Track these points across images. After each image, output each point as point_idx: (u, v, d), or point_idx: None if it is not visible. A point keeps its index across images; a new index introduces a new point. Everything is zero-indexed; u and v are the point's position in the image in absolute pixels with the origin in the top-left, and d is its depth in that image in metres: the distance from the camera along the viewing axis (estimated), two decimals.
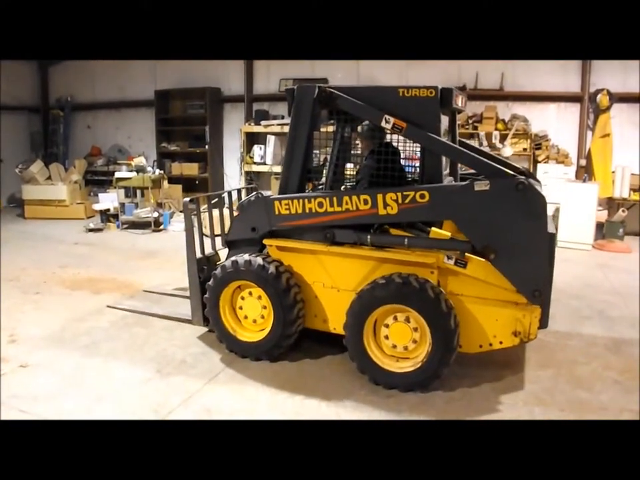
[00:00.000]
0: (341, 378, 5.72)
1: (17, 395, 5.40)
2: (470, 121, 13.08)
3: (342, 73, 13.84)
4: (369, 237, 5.55)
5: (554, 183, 12.07)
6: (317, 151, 6.18)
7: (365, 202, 5.39)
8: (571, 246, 11.27)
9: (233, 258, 6.01)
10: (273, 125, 13.73)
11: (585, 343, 6.67)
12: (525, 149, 12.72)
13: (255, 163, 14.02)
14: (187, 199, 6.38)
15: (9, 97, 16.98)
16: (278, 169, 13.53)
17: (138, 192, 13.96)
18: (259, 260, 5.82)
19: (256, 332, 6.10)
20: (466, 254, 5.24)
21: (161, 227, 13.26)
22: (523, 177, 4.99)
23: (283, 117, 14.07)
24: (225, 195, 7.30)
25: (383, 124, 5.34)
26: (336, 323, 5.85)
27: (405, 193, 5.24)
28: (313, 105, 5.67)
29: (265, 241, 6.09)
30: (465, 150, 5.52)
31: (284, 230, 5.97)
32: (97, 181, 16.75)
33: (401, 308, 5.28)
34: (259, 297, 5.97)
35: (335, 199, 5.52)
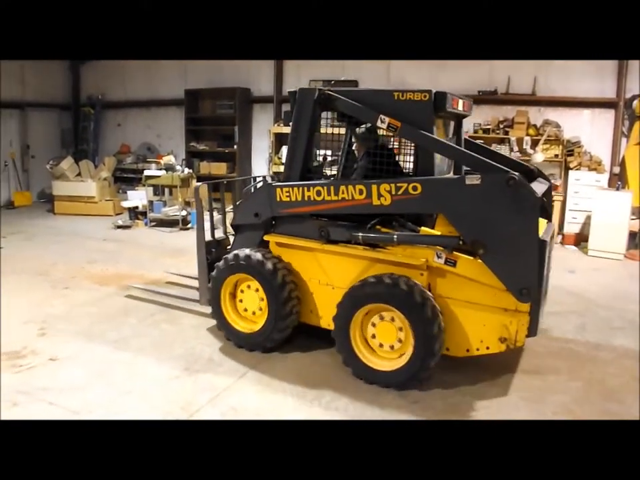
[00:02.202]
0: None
1: (46, 388, 5.48)
2: (501, 126, 12.95)
3: (372, 75, 13.78)
4: (360, 234, 5.70)
5: (586, 190, 11.95)
6: (318, 150, 6.57)
7: (360, 192, 5.55)
8: (603, 255, 11.14)
9: (235, 251, 6.31)
10: None
11: (616, 354, 6.56)
12: (556, 155, 12.53)
13: (283, 164, 13.96)
14: (198, 184, 6.68)
15: (41, 94, 17.17)
16: None
17: (166, 190, 14.01)
18: (259, 255, 6.12)
19: (252, 323, 6.37)
20: (455, 253, 5.34)
21: (189, 225, 13.26)
22: (515, 173, 4.95)
23: None
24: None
25: (379, 124, 5.60)
26: (329, 319, 5.98)
27: (398, 184, 5.37)
28: (313, 106, 5.99)
29: (266, 237, 6.40)
30: (457, 147, 5.71)
31: (285, 221, 6.29)
32: (126, 178, 16.82)
33: (387, 308, 5.46)
34: (257, 290, 6.24)
35: (332, 188, 5.71)
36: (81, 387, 5.50)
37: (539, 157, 12.14)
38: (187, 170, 14.19)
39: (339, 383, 5.64)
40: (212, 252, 6.90)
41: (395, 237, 5.54)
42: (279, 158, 14.05)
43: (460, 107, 5.98)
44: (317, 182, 5.94)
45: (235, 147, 15.13)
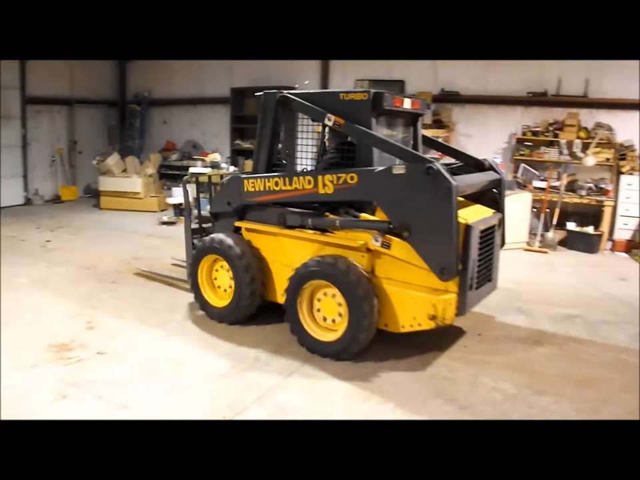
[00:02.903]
0: (416, 385, 5.62)
1: (95, 381, 5.51)
2: (550, 129, 12.71)
3: (419, 75, 13.65)
4: (310, 219, 6.38)
5: (638, 196, 11.68)
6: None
7: (309, 182, 6.24)
8: None
9: (212, 235, 7.13)
10: None
11: None
12: (608, 159, 12.20)
13: None
14: (186, 176, 7.38)
15: (89, 91, 17.38)
16: None
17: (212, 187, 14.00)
18: (229, 240, 6.87)
19: (224, 300, 7.05)
20: (389, 236, 5.89)
21: None
22: (434, 163, 5.48)
23: None
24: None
25: (326, 121, 6.23)
26: None
27: (338, 175, 6.02)
28: (275, 107, 6.71)
29: (237, 223, 7.15)
30: (388, 140, 6.15)
31: (252, 209, 7.02)
32: (171, 175, 16.87)
33: (328, 285, 6.06)
34: (228, 270, 6.94)
35: (287, 179, 6.44)
36: (129, 381, 5.52)
37: (589, 160, 11.88)
38: (232, 167, 14.21)
39: (389, 385, 5.57)
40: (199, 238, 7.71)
41: (337, 222, 6.17)
42: None
43: (407, 106, 6.51)
44: (275, 174, 6.64)
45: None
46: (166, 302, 7.70)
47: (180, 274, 8.59)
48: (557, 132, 12.62)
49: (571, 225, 11.99)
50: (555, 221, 11.75)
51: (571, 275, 9.79)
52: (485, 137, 13.18)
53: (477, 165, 6.92)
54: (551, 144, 12.69)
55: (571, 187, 12.21)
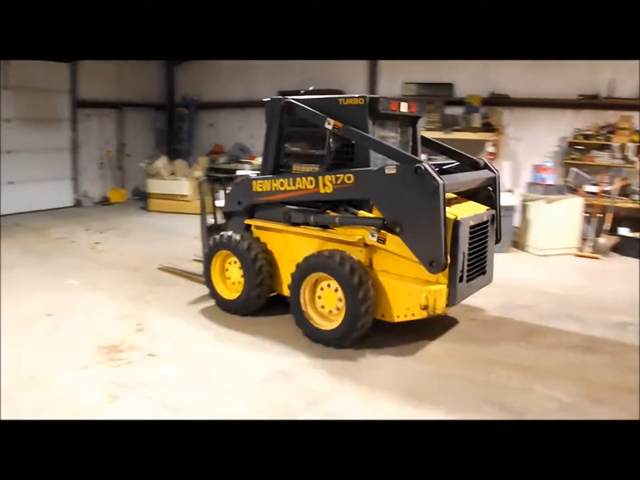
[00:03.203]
0: (469, 391, 5.52)
1: (145, 383, 5.53)
2: (602, 132, 12.45)
3: (468, 77, 13.49)
4: (312, 217, 6.82)
5: None
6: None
7: (311, 182, 6.70)
8: None
9: (223, 232, 7.51)
10: None
11: None
12: None
13: None
14: (204, 178, 7.82)
15: (137, 94, 17.60)
16: None
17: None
18: (237, 236, 7.26)
19: (235, 293, 7.40)
20: (383, 232, 6.31)
21: None
22: (422, 163, 5.92)
23: None
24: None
25: (326, 125, 6.61)
26: None
27: (337, 175, 6.48)
28: (280, 112, 7.14)
29: (247, 221, 7.52)
30: (384, 142, 6.58)
31: (261, 208, 7.41)
32: (219, 178, 16.91)
33: (327, 277, 6.45)
34: (240, 266, 7.30)
35: (291, 179, 6.89)
36: (180, 383, 5.54)
37: None
38: None
39: (437, 394, 5.48)
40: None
41: (337, 219, 6.64)
42: None
43: (403, 109, 6.82)
44: (281, 175, 7.09)
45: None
46: (214, 304, 7.66)
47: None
48: (609, 135, 12.33)
49: (624, 231, 11.70)
50: (607, 227, 11.49)
51: (623, 282, 9.54)
52: (535, 140, 12.96)
53: (472, 164, 7.35)
54: (602, 147, 12.40)
55: (624, 192, 11.92)
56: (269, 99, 7.32)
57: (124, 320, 7.11)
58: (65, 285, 8.52)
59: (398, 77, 14.42)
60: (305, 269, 6.62)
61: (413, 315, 6.25)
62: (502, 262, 10.11)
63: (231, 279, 7.51)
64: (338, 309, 6.45)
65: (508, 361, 6.21)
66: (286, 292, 7.06)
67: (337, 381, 5.65)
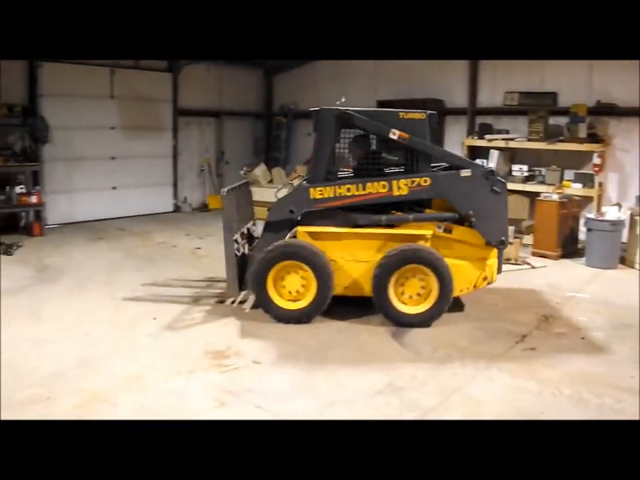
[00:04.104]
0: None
1: (252, 390, 5.55)
2: None
3: (572, 85, 13.08)
4: (383, 217, 7.44)
5: None
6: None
7: (384, 186, 7.33)
8: None
9: (283, 242, 7.45)
10: (497, 139, 13.27)
11: None
12: None
13: None
14: (225, 189, 7.71)
15: (236, 103, 17.86)
16: None
17: None
18: (307, 245, 7.36)
19: (293, 302, 7.43)
20: (448, 224, 7.48)
21: None
22: (489, 168, 7.65)
23: (507, 132, 13.58)
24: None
25: (391, 136, 7.30)
26: (354, 288, 7.56)
27: (413, 179, 7.34)
28: (335, 123, 7.46)
29: (300, 229, 7.55)
30: (446, 150, 8.44)
31: (314, 215, 7.60)
32: None
33: (421, 268, 7.18)
34: (301, 274, 7.39)
35: (360, 184, 7.35)
36: (286, 393, 5.52)
37: None
38: None
39: None
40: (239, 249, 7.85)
41: (411, 216, 7.50)
42: None
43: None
44: (347, 180, 7.54)
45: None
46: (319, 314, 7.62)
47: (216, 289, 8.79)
48: None
49: None
50: None
51: None
52: None
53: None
54: None
55: None
56: (318, 109, 7.56)
57: (228, 325, 7.17)
58: (168, 290, 8.65)
59: (499, 86, 14.13)
60: (394, 263, 7.16)
61: (475, 287, 7.65)
62: (608, 279, 9.81)
63: (287, 287, 7.44)
64: (419, 294, 7.33)
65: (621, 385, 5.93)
66: (341, 292, 7.51)
67: (443, 396, 5.53)
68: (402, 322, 7.24)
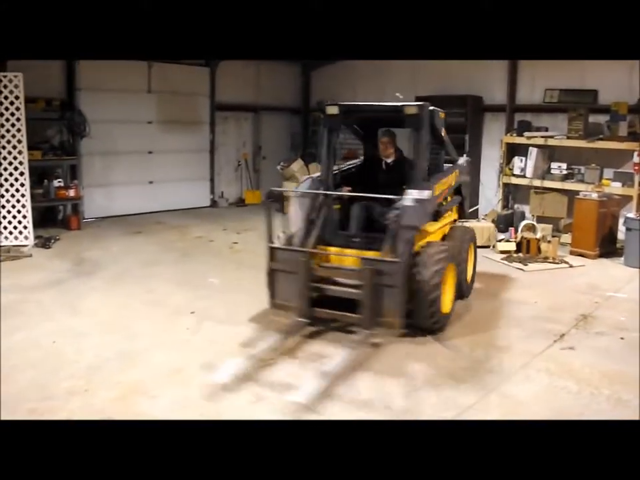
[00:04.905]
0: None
1: (289, 385, 5.49)
2: None
3: (614, 83, 12.86)
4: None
5: None
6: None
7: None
8: None
9: (445, 245, 7.34)
10: (537, 136, 13.13)
11: None
12: None
13: (513, 175, 13.48)
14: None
15: (273, 98, 17.88)
16: (538, 182, 12.97)
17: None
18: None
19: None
20: None
21: None
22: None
23: (546, 129, 13.43)
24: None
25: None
26: None
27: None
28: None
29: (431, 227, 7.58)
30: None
31: None
32: None
33: None
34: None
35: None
36: (322, 389, 5.40)
37: None
38: None
39: None
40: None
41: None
42: (510, 169, 13.59)
43: None
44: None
45: (465, 155, 14.75)
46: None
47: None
48: None
49: None
50: None
51: None
52: None
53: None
54: None
55: None
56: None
57: (266, 320, 7.15)
58: (206, 283, 8.71)
59: (538, 83, 13.98)
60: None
61: None
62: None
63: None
64: None
65: None
66: None
67: (481, 395, 5.50)
68: None
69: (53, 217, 13.12)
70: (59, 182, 12.64)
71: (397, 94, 13.46)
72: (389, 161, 7.92)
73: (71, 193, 12.72)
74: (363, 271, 6.32)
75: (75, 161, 13.12)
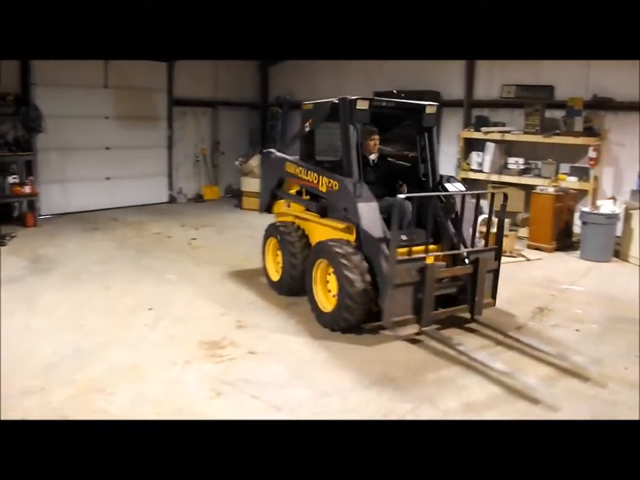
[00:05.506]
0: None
1: (248, 380, 5.55)
2: None
3: (569, 79, 13.04)
4: None
5: None
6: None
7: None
8: None
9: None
10: (494, 132, 13.24)
11: None
12: None
13: (471, 170, 13.59)
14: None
15: (231, 93, 17.79)
16: (495, 177, 13.09)
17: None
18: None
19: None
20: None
21: None
22: None
23: (504, 125, 13.55)
24: None
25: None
26: None
27: None
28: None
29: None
30: None
31: None
32: None
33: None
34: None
35: None
36: (281, 383, 5.52)
37: None
38: None
39: None
40: None
41: None
42: (467, 164, 13.70)
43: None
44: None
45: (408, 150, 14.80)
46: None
47: None
48: None
49: None
50: None
51: None
52: None
53: None
54: None
55: None
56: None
57: (224, 316, 7.17)
58: (163, 280, 8.64)
59: (496, 79, 14.09)
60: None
61: None
62: (603, 273, 9.83)
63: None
64: None
65: (615, 376, 5.96)
66: None
67: (438, 388, 5.55)
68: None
69: (8, 214, 12.86)
70: (14, 178, 12.37)
71: (394, 91, 13.48)
72: (373, 157, 7.90)
73: (27, 189, 12.46)
74: (475, 263, 6.68)
75: (30, 156, 12.89)
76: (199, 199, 16.99)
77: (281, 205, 8.79)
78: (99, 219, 13.49)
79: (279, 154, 8.89)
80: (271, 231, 8.39)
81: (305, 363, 5.98)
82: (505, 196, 7.06)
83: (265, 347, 6.31)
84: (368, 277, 6.41)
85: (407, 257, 6.34)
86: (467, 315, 6.89)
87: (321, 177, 7.40)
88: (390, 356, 6.22)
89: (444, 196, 7.21)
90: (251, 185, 15.36)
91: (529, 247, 11.44)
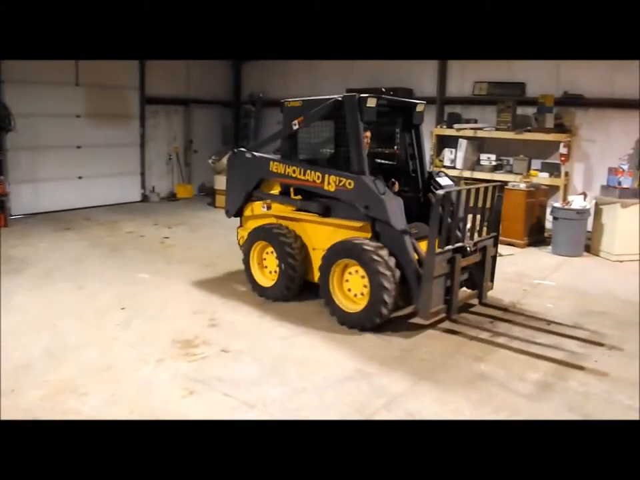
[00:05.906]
0: (549, 400, 5.33)
1: (221, 378, 5.54)
2: None
3: (540, 76, 13.14)
4: None
5: None
6: None
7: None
8: None
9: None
10: (466, 128, 13.32)
11: None
12: None
13: (444, 167, 13.60)
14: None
15: (204, 91, 17.71)
16: (468, 173, 13.17)
17: None
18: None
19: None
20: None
21: None
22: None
23: (476, 121, 13.63)
24: None
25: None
26: None
27: None
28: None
29: None
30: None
31: None
32: None
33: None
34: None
35: None
36: (255, 380, 5.51)
37: None
38: None
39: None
40: None
41: None
42: (440, 160, 13.77)
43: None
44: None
45: (396, 147, 14.84)
46: (287, 303, 7.67)
47: None
48: None
49: None
50: None
51: None
52: (610, 142, 12.53)
53: None
54: None
55: None
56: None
57: (197, 315, 7.14)
58: (136, 279, 8.59)
59: (468, 76, 14.16)
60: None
61: None
62: (574, 267, 9.93)
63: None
64: None
65: (587, 370, 6.01)
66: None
67: (414, 381, 5.58)
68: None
69: None
70: None
71: (383, 89, 13.47)
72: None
73: None
74: (483, 250, 7.23)
75: None
76: (172, 197, 16.94)
77: (256, 207, 8.48)
78: (71, 218, 13.38)
79: (258, 153, 8.58)
80: (259, 234, 7.97)
81: (278, 361, 5.96)
82: (501, 187, 7.49)
83: (239, 345, 6.29)
84: (398, 272, 6.50)
85: (440, 250, 6.43)
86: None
87: (327, 175, 7.17)
88: (368, 351, 6.23)
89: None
90: (224, 183, 15.28)
91: (502, 242, 11.44)
